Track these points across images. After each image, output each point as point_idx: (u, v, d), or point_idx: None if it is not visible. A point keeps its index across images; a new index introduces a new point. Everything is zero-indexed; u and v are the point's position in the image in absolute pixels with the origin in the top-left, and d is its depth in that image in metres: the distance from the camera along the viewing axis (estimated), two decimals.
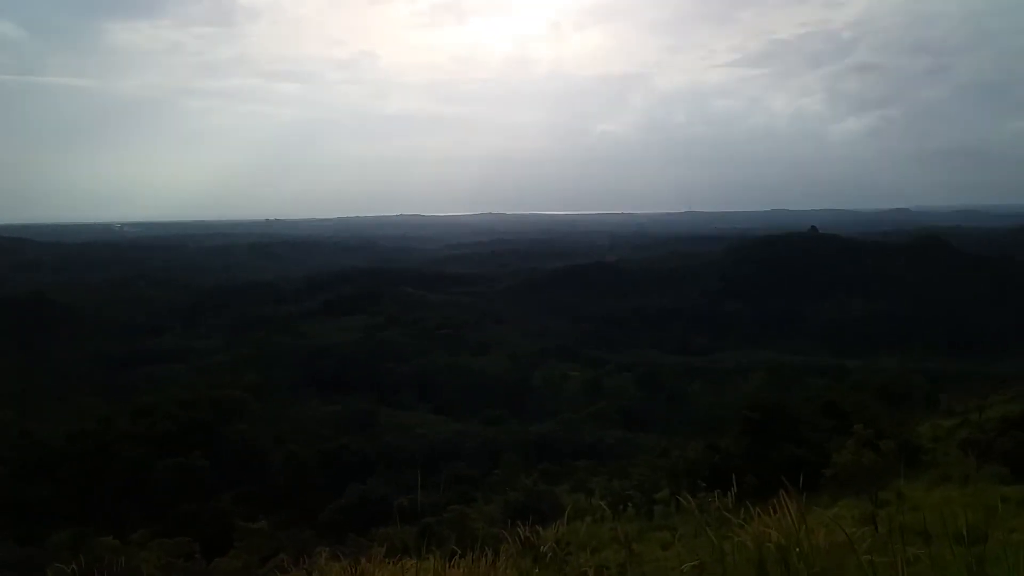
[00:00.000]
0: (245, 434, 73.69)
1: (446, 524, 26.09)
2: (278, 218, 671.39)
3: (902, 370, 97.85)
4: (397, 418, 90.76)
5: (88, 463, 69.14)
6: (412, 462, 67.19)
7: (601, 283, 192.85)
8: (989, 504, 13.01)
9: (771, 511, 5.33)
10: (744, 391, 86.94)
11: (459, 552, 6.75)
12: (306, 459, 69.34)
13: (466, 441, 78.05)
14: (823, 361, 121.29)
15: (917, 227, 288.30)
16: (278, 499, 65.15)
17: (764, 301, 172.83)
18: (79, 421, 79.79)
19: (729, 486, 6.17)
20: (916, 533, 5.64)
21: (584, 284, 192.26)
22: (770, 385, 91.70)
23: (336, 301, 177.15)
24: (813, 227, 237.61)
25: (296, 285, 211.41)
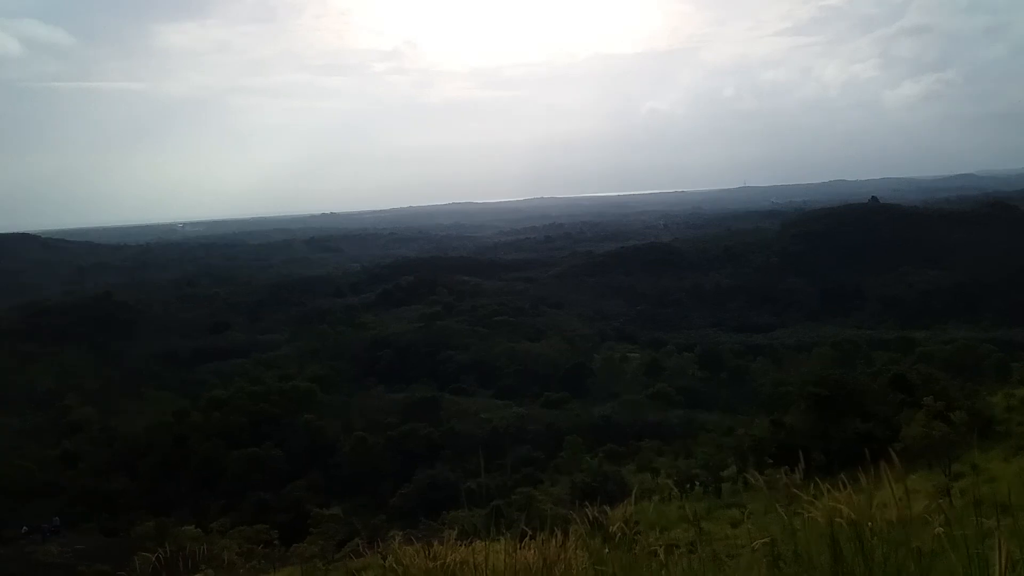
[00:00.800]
0: (313, 424, 75.47)
1: (514, 506, 26.37)
2: (333, 211, 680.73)
3: (971, 340, 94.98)
4: (460, 404, 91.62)
5: (165, 456, 71.79)
6: (477, 447, 67.87)
7: (656, 263, 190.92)
8: None
9: (841, 487, 5.32)
10: (808, 367, 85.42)
11: (529, 533, 6.87)
12: (374, 446, 70.65)
13: (529, 424, 78.48)
14: (888, 334, 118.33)
15: (983, 193, 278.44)
16: (349, 486, 66.66)
17: (824, 276, 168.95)
18: (154, 416, 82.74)
19: (796, 462, 6.17)
20: (993, 505, 5.57)
21: (639, 265, 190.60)
22: (834, 360, 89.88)
23: (393, 292, 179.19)
24: (873, 197, 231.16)
25: (354, 277, 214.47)
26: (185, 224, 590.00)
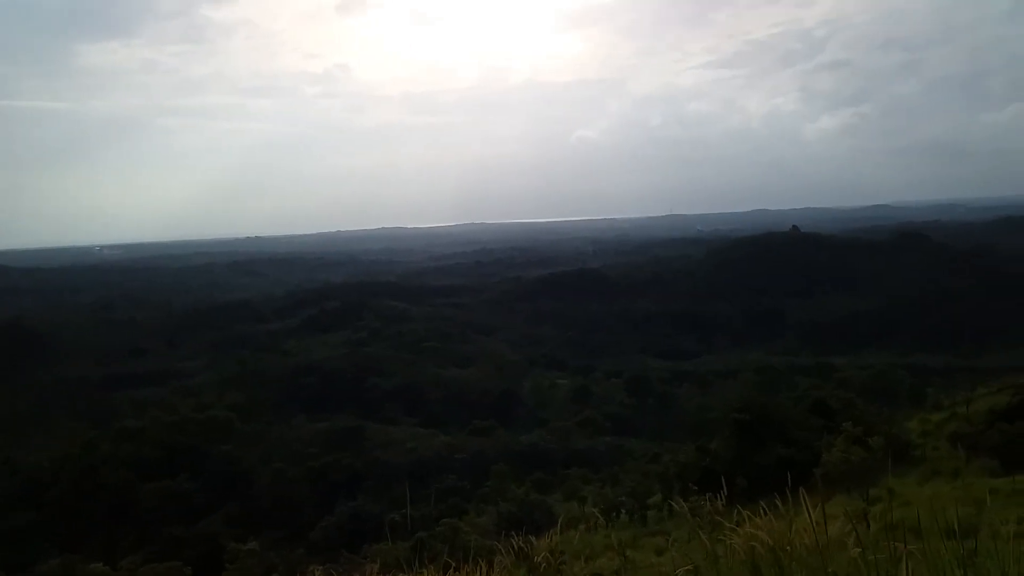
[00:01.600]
0: (231, 455, 73.23)
1: (439, 538, 25.93)
2: (258, 235, 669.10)
3: (888, 366, 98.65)
4: (385, 433, 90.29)
5: (73, 489, 68.43)
6: (401, 477, 66.85)
7: (586, 290, 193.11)
8: (979, 497, 13.11)
9: (762, 512, 5.35)
10: (732, 393, 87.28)
11: (453, 565, 6.73)
12: (294, 478, 68.91)
13: (455, 454, 77.83)
14: (808, 360, 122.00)
15: (897, 223, 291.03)
16: (267, 519, 64.71)
17: (748, 302, 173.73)
18: (62, 447, 79.00)
19: (720, 489, 6.18)
20: (907, 529, 5.67)
21: (569, 291, 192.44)
22: (758, 386, 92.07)
23: (319, 317, 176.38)
24: (794, 226, 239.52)
25: (278, 302, 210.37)
26: (103, 247, 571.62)
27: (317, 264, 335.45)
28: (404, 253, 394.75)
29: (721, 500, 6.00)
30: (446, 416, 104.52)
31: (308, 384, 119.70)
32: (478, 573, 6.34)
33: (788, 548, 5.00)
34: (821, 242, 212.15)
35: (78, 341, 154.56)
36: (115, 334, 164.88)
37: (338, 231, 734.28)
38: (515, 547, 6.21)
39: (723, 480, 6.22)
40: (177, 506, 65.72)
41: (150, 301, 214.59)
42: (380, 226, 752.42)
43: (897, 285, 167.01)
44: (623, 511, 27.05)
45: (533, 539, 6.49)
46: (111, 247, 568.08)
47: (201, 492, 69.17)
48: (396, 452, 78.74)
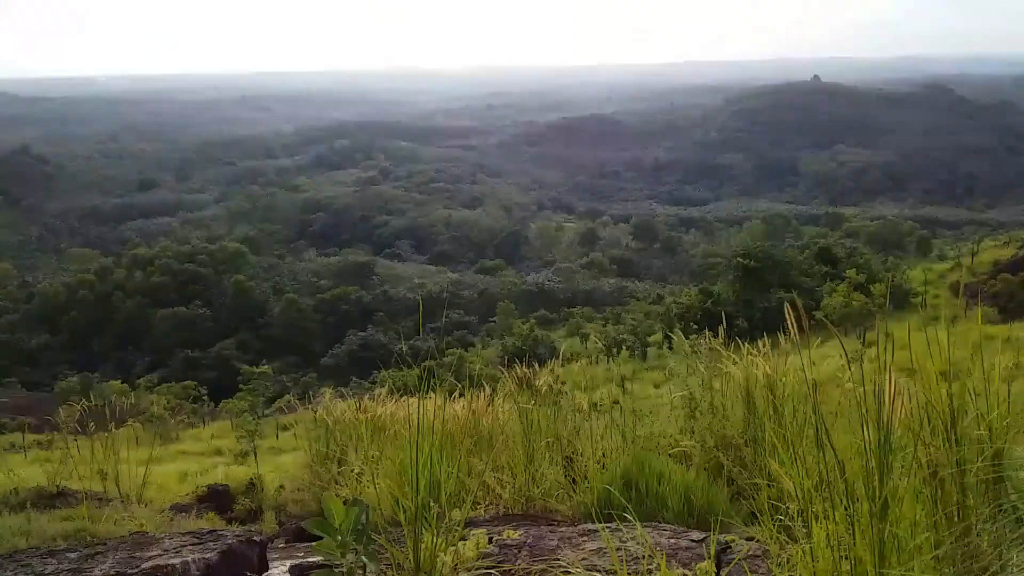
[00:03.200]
0: (243, 285, 74.52)
1: (446, 367, 26.83)
2: (266, 70, 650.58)
3: (897, 217, 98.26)
4: (394, 269, 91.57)
5: (88, 313, 70.39)
6: (410, 311, 68.47)
7: (597, 135, 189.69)
8: (974, 342, 13.33)
9: (760, 350, 5.45)
10: (738, 240, 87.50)
11: (459, 390, 6.94)
12: (305, 308, 70.43)
13: (463, 290, 79.15)
14: (818, 210, 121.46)
15: (922, 75, 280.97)
16: (279, 346, 66.89)
17: (762, 152, 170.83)
18: (75, 274, 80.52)
19: (721, 329, 6.27)
20: (902, 370, 5.78)
21: (581, 136, 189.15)
22: (765, 234, 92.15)
23: (328, 155, 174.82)
24: (816, 76, 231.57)
25: (287, 139, 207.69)
26: (108, 78, 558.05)
27: (327, 102, 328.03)
28: (415, 93, 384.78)
29: (721, 339, 6.10)
30: (454, 255, 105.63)
31: (318, 220, 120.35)
32: (482, 396, 6.56)
33: (783, 381, 5.13)
34: (842, 93, 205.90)
35: (86, 172, 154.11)
36: (123, 166, 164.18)
37: (347, 69, 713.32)
38: (518, 375, 6.38)
39: (724, 320, 6.30)
40: (190, 332, 67.72)
41: (158, 134, 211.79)
42: (391, 64, 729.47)
43: (915, 138, 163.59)
44: (624, 347, 27.81)
45: (536, 368, 6.67)
46: (116, 78, 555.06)
47: (213, 320, 71.06)
48: (405, 287, 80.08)
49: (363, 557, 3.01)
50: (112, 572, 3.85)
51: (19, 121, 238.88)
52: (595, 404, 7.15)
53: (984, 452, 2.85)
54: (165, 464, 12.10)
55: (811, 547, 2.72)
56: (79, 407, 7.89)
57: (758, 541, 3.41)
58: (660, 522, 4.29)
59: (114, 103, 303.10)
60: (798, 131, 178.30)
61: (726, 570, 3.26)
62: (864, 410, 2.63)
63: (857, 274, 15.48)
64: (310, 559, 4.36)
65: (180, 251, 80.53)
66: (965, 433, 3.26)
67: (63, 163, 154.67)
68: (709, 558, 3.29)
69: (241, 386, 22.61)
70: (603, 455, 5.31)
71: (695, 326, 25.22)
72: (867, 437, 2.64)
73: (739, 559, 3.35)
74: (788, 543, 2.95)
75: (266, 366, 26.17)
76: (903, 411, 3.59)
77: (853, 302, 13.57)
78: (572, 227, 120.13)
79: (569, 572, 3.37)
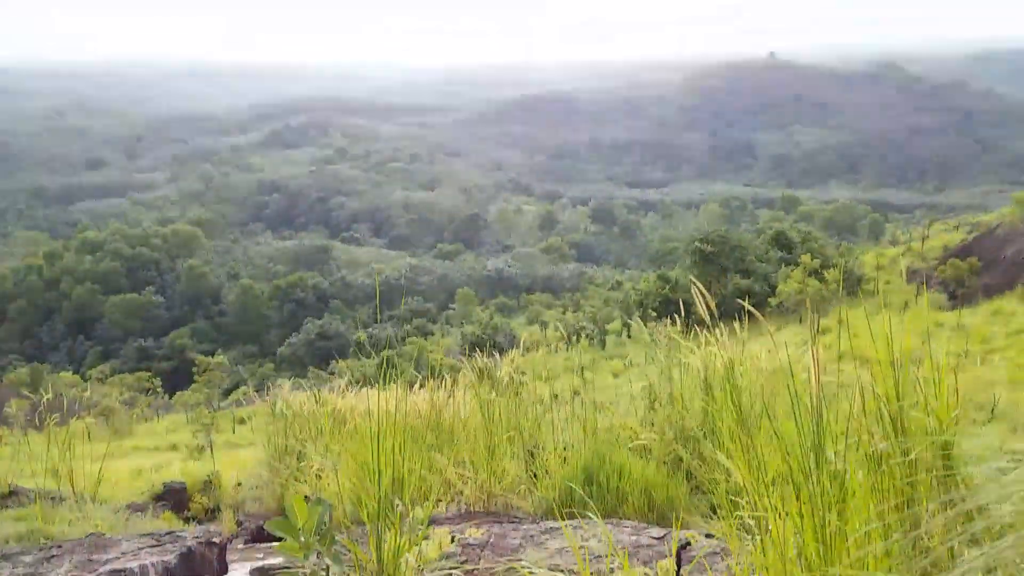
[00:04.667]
0: (196, 270, 73.29)
1: (405, 357, 26.75)
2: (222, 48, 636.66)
3: (850, 201, 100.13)
4: (351, 253, 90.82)
5: (36, 299, 68.66)
6: (368, 298, 68.05)
7: (556, 114, 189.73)
8: (925, 330, 13.74)
9: (718, 338, 5.51)
10: (696, 224, 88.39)
11: (419, 381, 6.92)
12: (260, 294, 69.55)
13: (421, 276, 78.85)
14: (774, 192, 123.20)
15: (879, 53, 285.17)
16: (234, 334, 66.02)
17: (720, 132, 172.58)
18: (23, 258, 78.39)
19: (679, 316, 6.34)
20: (855, 357, 5.91)
21: (539, 115, 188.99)
22: (721, 218, 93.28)
23: (284, 132, 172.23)
24: (772, 53, 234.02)
25: (241, 115, 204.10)
26: (56, 51, 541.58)
27: (281, 76, 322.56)
28: (372, 67, 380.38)
29: (679, 326, 6.16)
30: (412, 239, 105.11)
31: (273, 202, 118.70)
32: (443, 388, 6.54)
33: (740, 370, 5.19)
34: (796, 71, 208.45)
35: (32, 150, 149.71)
36: (70, 143, 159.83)
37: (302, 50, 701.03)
38: (479, 365, 6.37)
39: (682, 307, 6.36)
40: (143, 320, 66.51)
41: (107, 110, 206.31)
42: (347, 37, 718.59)
43: (869, 118, 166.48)
44: (583, 335, 28.01)
45: (497, 359, 6.67)
46: (64, 52, 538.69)
47: (167, 307, 69.86)
48: (362, 273, 79.51)
49: (326, 559, 2.98)
50: None
51: None
52: (556, 395, 7.19)
53: (932, 443, 2.93)
54: (119, 460, 11.90)
55: (761, 542, 2.75)
56: (30, 400, 7.72)
57: (717, 538, 3.46)
58: (621, 518, 4.34)
59: (61, 77, 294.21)
60: (754, 111, 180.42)
61: (687, 567, 3.31)
62: (795, 394, 2.65)
63: (812, 259, 15.81)
64: (271, 561, 4.33)
65: (131, 234, 78.86)
66: (913, 423, 3.34)
67: (7, 140, 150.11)
68: (670, 556, 3.33)
69: (196, 377, 22.29)
70: (564, 448, 5.34)
71: (654, 313, 25.53)
72: (801, 425, 2.66)
73: (699, 557, 3.40)
74: (746, 538, 2.99)
75: (221, 356, 25.83)
76: (855, 403, 3.68)
77: (808, 288, 13.86)
78: (531, 210, 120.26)
79: (532, 572, 3.38)
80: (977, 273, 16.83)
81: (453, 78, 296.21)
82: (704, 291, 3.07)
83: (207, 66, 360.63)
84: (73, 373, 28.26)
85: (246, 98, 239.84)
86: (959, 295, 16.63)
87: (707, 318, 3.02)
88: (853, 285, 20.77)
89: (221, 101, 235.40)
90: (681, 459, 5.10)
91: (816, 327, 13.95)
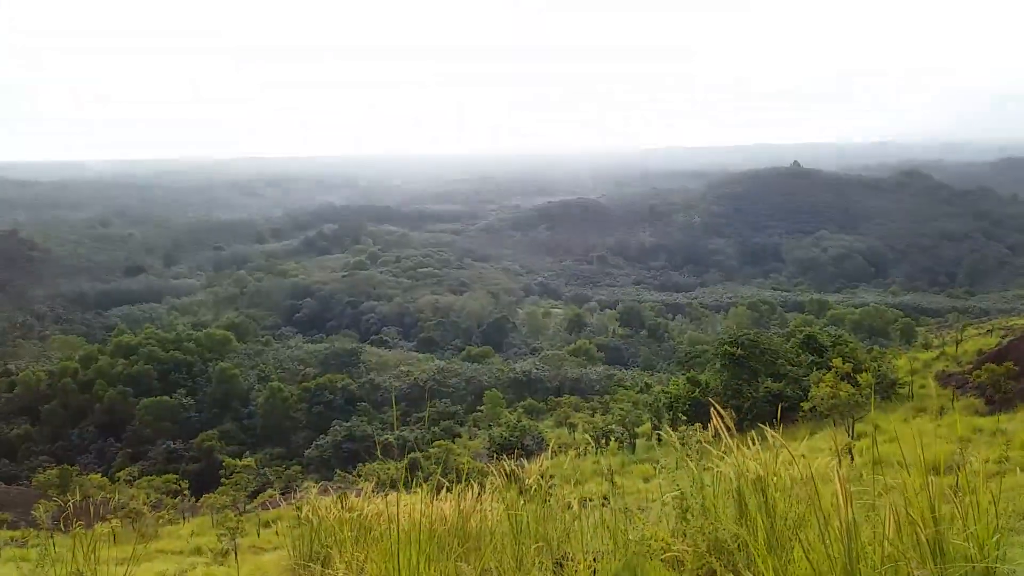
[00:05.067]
0: (227, 373, 73.82)
1: (432, 460, 26.43)
2: (257, 155, 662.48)
3: (880, 304, 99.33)
4: (380, 356, 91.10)
5: (69, 402, 69.29)
6: (396, 400, 67.83)
7: (583, 220, 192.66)
8: (963, 436, 13.40)
9: (750, 444, 5.42)
10: (725, 327, 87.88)
11: (446, 486, 6.83)
12: (289, 397, 69.63)
13: (450, 378, 78.65)
14: (803, 296, 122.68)
15: (901, 161, 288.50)
16: (263, 437, 65.81)
17: (746, 237, 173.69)
18: (59, 360, 79.65)
19: (708, 420, 6.27)
20: (892, 464, 5.75)
21: (566, 221, 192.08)
22: (750, 320, 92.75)
23: (317, 239, 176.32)
24: (795, 162, 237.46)
25: (276, 223, 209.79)
26: (99, 162, 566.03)
27: (316, 186, 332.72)
28: (403, 177, 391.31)
29: (710, 431, 6.08)
30: (441, 341, 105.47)
31: (305, 306, 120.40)
32: (470, 493, 6.45)
33: (774, 478, 5.08)
34: (822, 179, 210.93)
35: (75, 256, 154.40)
36: (112, 250, 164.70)
37: (338, 155, 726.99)
38: (506, 470, 6.30)
39: (712, 411, 6.29)
40: (173, 422, 66.68)
41: (148, 218, 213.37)
42: (379, 150, 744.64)
43: (895, 224, 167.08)
44: (612, 439, 27.55)
45: (524, 463, 6.60)
46: (107, 163, 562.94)
47: (197, 409, 70.10)
48: (391, 375, 79.53)
49: None
50: None
51: (8, 205, 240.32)
52: (585, 500, 7.05)
53: (973, 569, 2.79)
54: (144, 564, 11.75)
55: None
56: (57, 502, 7.72)
57: None
58: None
59: (104, 187, 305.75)
60: (780, 216, 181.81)
61: None
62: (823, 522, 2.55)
63: (843, 363, 15.60)
64: None
65: (165, 338, 79.99)
66: (951, 547, 3.16)
67: (51, 248, 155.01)
68: None
69: (223, 479, 22.14)
70: (594, 559, 5.20)
71: (683, 416, 25.13)
72: (832, 552, 2.57)
73: None
74: None
75: (249, 458, 25.70)
76: (888, 523, 3.55)
77: (840, 392, 13.64)
78: (559, 313, 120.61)
79: None
80: (1014, 377, 16.48)
81: (482, 187, 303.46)
82: (721, 406, 3.06)
83: (246, 175, 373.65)
84: (102, 475, 28.19)
85: (282, 207, 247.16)
86: (996, 400, 16.23)
87: (729, 428, 3.00)
88: (887, 389, 20.36)
89: (258, 210, 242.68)
90: (715, 572, 4.94)
91: (851, 432, 13.66)
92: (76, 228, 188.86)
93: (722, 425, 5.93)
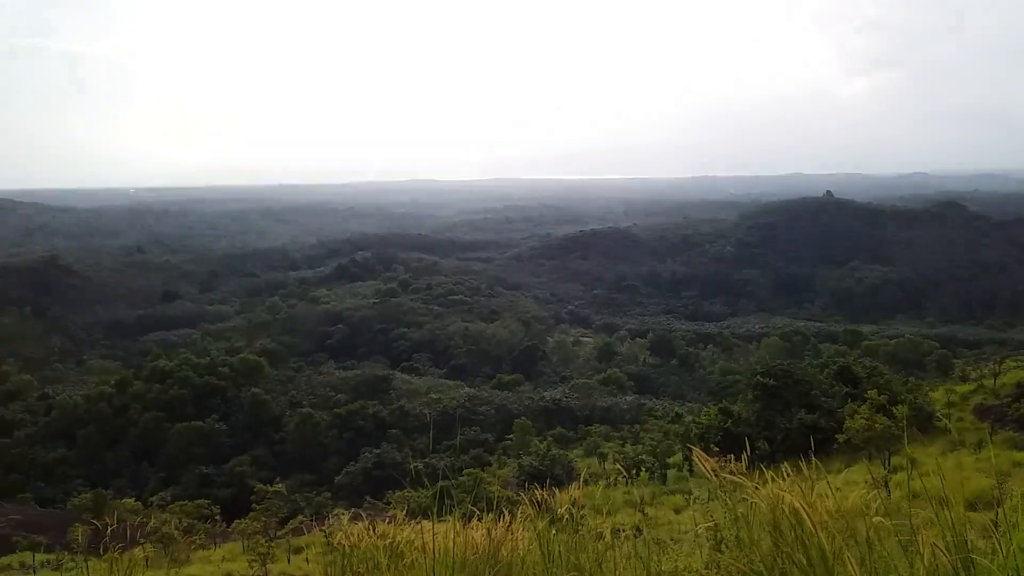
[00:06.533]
0: (260, 398, 74.49)
1: (462, 488, 26.36)
2: (291, 183, 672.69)
3: (916, 336, 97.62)
4: (411, 383, 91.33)
5: (105, 426, 70.31)
6: (426, 427, 67.90)
7: (614, 249, 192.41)
8: (1002, 470, 13.09)
9: (784, 476, 5.36)
10: (757, 357, 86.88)
11: (476, 514, 6.84)
12: (320, 423, 70.02)
13: (479, 406, 78.59)
14: (836, 327, 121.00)
15: (935, 191, 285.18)
16: (294, 462, 66.13)
17: (778, 268, 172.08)
18: (95, 385, 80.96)
19: (741, 451, 6.22)
20: (929, 498, 5.67)
21: (597, 250, 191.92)
22: (783, 351, 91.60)
23: (349, 266, 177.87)
24: (828, 192, 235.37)
25: (310, 251, 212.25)
26: (137, 189, 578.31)
27: (349, 214, 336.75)
28: (435, 206, 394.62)
29: (743, 462, 6.03)
30: (471, 369, 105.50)
31: (337, 332, 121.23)
32: (501, 522, 6.44)
33: (809, 511, 5.01)
34: (855, 209, 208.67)
35: (112, 282, 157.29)
36: (148, 277, 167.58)
37: (369, 181, 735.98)
38: (537, 499, 6.30)
39: (745, 442, 6.25)
40: (205, 447, 67.30)
41: (184, 246, 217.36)
42: (411, 178, 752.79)
43: (931, 255, 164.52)
44: (643, 469, 27.29)
45: (555, 492, 6.58)
46: (145, 190, 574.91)
47: (229, 434, 70.70)
48: (421, 402, 79.65)
49: None
50: None
51: (48, 231, 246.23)
52: (617, 530, 7.00)
53: None
54: None
55: None
56: (91, 526, 7.83)
57: None
58: None
59: (142, 214, 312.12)
60: (813, 246, 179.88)
61: None
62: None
63: (879, 395, 15.33)
64: None
65: (199, 363, 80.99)
66: None
67: (90, 274, 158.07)
68: None
69: (254, 505, 22.27)
70: None
71: (715, 447, 24.85)
72: None
73: None
74: None
75: (280, 484, 25.84)
76: (926, 558, 3.49)
77: (876, 424, 13.40)
78: (589, 341, 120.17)
79: None
80: None
81: (513, 214, 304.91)
82: (754, 437, 3.05)
83: (280, 202, 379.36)
84: (135, 499, 28.50)
85: (315, 234, 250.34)
86: None
87: (762, 459, 2.99)
88: (923, 422, 19.99)
89: (291, 237, 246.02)
90: None
91: (887, 464, 13.40)
92: (114, 254, 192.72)
93: (755, 456, 5.88)
